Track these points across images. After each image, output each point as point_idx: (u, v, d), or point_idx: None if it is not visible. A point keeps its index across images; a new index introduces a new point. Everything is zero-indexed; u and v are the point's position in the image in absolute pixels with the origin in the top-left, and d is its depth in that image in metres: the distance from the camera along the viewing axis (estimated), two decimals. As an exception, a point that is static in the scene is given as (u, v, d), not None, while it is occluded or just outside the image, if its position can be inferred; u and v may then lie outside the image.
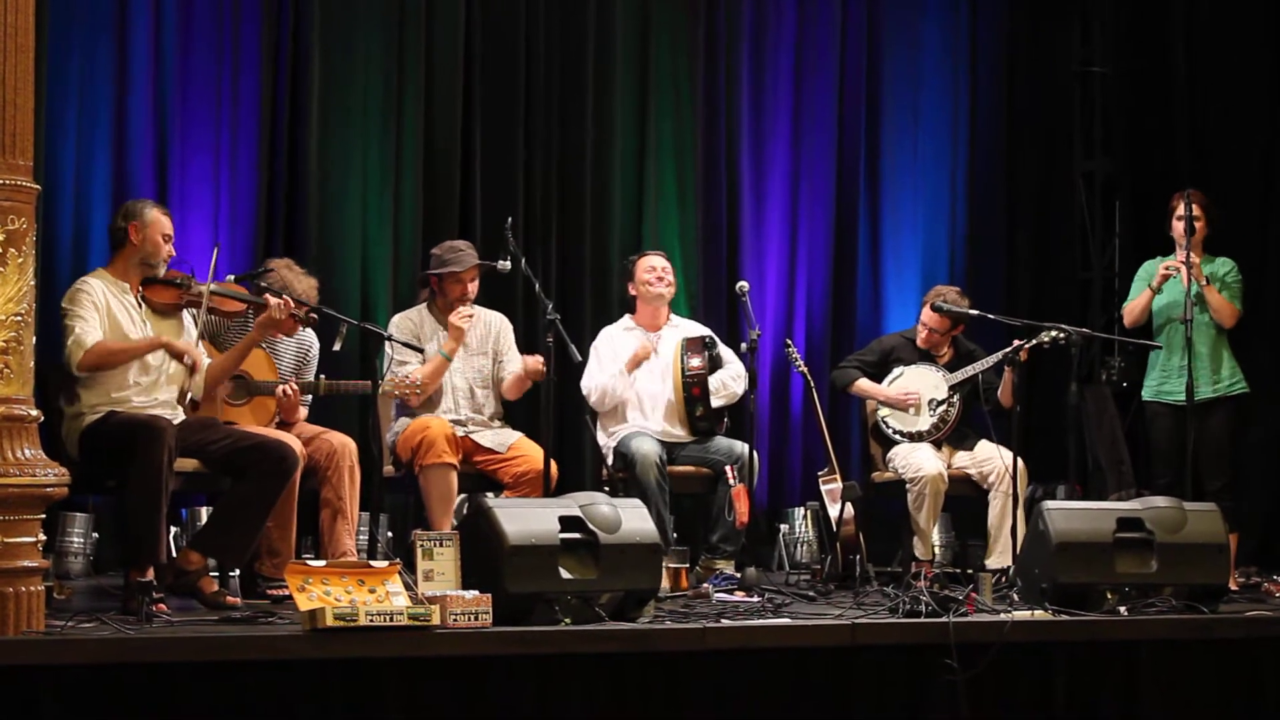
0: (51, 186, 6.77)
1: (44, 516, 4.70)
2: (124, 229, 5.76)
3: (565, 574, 4.98)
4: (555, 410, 6.67)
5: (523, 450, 6.52)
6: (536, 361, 6.52)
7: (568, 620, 4.91)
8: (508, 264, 6.37)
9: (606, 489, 6.58)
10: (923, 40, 8.82)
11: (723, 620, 5.21)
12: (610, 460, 6.83)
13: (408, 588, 4.84)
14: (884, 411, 7.25)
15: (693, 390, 6.89)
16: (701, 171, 8.31)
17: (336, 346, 6.11)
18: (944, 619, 5.13)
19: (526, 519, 5.02)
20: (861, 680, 5.16)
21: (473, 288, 6.73)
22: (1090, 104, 8.89)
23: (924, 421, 7.15)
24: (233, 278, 6.27)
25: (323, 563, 4.92)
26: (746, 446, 6.67)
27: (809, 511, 8.02)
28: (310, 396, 6.38)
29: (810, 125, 8.56)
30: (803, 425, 8.34)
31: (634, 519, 5.20)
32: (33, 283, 4.66)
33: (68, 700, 4.41)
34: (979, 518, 7.13)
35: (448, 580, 5.03)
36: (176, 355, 5.77)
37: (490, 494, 6.42)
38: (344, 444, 6.07)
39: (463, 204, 7.80)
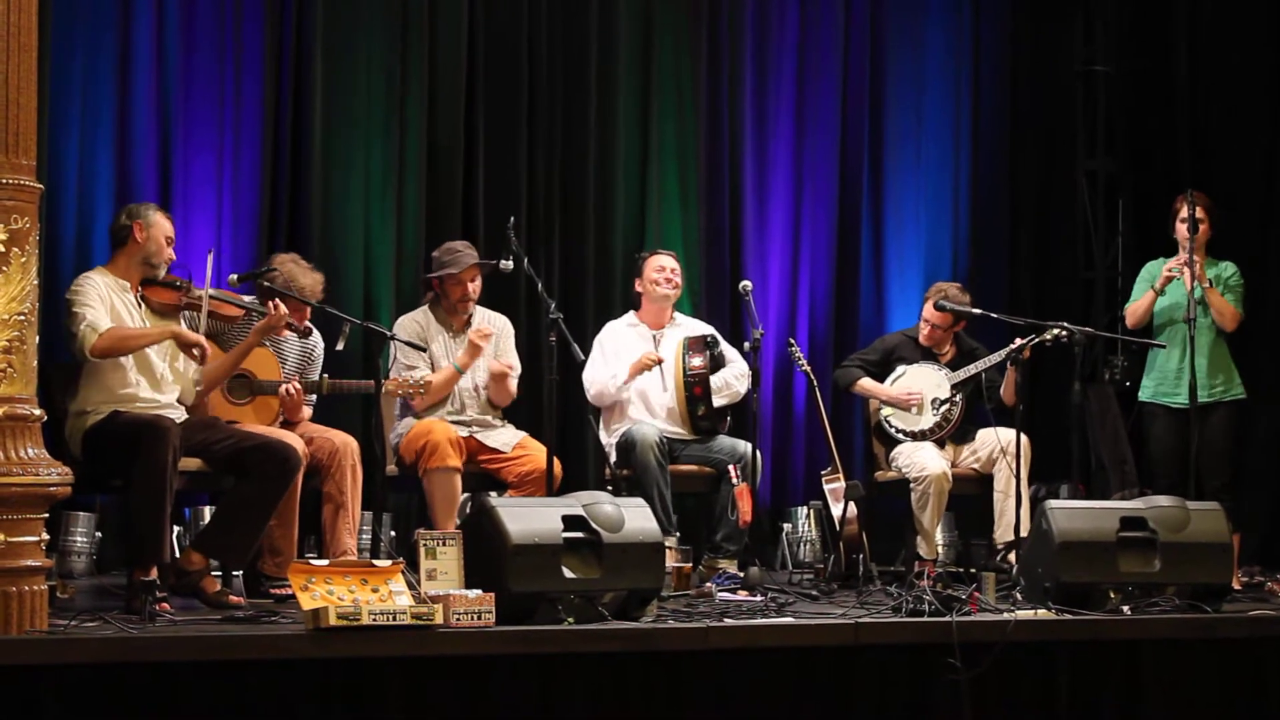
0: (54, 186, 6.77)
1: (47, 516, 4.70)
2: (128, 227, 5.77)
3: (568, 573, 4.98)
4: (558, 410, 6.68)
5: (527, 449, 6.53)
6: (503, 365, 6.69)
7: (571, 620, 4.91)
8: (510, 263, 6.37)
9: (609, 488, 6.58)
10: (925, 41, 8.82)
11: (726, 620, 5.21)
12: (613, 459, 6.83)
13: (410, 587, 4.84)
14: (887, 410, 7.25)
15: (694, 389, 6.89)
16: (704, 172, 8.31)
17: (339, 346, 6.14)
18: (947, 618, 5.13)
19: (529, 518, 5.02)
20: (864, 680, 5.16)
21: (473, 288, 6.73)
22: (1093, 104, 8.88)
23: (927, 420, 7.16)
24: (235, 277, 6.26)
25: (325, 562, 4.93)
26: (749, 446, 6.68)
27: (812, 511, 8.03)
28: (314, 396, 6.38)
29: (813, 126, 8.56)
30: (806, 424, 8.34)
31: (637, 518, 5.20)
32: (36, 282, 4.66)
33: (70, 700, 4.41)
34: (983, 516, 7.14)
35: (451, 579, 5.02)
36: (187, 346, 5.76)
37: (494, 493, 6.42)
38: (347, 443, 6.07)
39: (465, 204, 7.79)
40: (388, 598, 4.74)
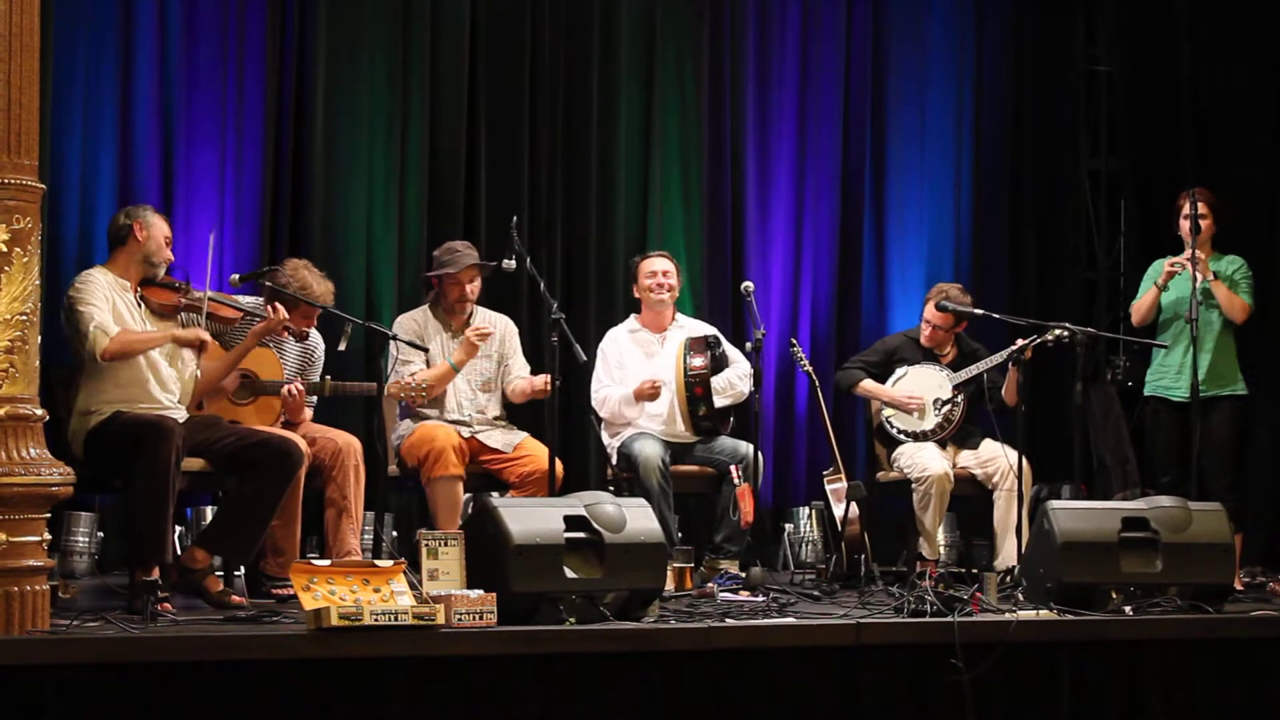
0: (56, 185, 6.77)
1: (49, 516, 4.70)
2: (128, 226, 5.79)
3: (570, 573, 4.98)
4: (560, 410, 6.67)
5: (528, 450, 6.52)
6: (545, 382, 6.44)
7: (572, 620, 4.91)
8: (512, 263, 6.35)
9: (611, 488, 6.58)
10: (928, 40, 8.81)
11: (727, 620, 5.21)
12: (614, 460, 6.83)
13: (412, 587, 4.85)
14: (888, 411, 7.25)
15: (695, 390, 6.88)
16: (706, 172, 8.31)
17: (342, 346, 6.13)
18: (949, 619, 5.13)
19: (531, 518, 5.02)
20: (867, 680, 5.16)
21: (472, 288, 6.72)
22: (1096, 103, 8.88)
23: (928, 421, 7.15)
24: (236, 277, 6.27)
25: (327, 562, 4.92)
26: (751, 446, 6.68)
27: (814, 511, 8.03)
28: (315, 397, 6.38)
29: (815, 125, 8.55)
30: (807, 425, 8.33)
31: (639, 518, 5.20)
32: (38, 282, 4.66)
33: (72, 699, 4.41)
34: (984, 517, 7.13)
35: (452, 580, 5.02)
36: (188, 344, 5.78)
37: (496, 493, 6.42)
38: (349, 443, 6.08)
39: (467, 203, 7.79)
40: (389, 598, 4.74)
